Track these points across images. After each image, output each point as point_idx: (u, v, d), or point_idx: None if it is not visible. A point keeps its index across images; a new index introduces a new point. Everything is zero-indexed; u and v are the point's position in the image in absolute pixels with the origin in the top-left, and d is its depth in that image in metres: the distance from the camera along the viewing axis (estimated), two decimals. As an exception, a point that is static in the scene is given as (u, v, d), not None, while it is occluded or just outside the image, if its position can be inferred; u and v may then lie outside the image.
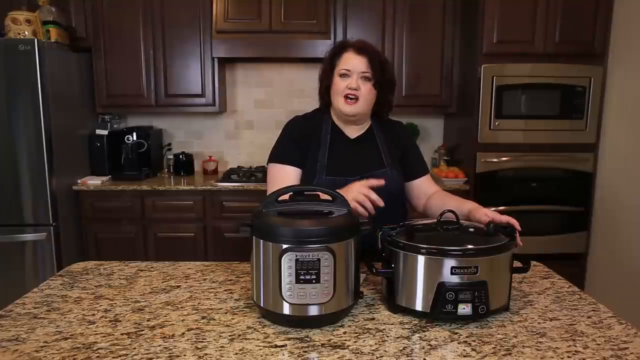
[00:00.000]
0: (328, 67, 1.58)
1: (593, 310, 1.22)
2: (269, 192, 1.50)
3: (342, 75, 1.53)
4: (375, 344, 1.05)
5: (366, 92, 1.53)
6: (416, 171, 1.66)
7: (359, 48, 1.53)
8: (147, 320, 1.16)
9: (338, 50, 1.57)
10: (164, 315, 1.18)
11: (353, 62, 1.52)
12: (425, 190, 1.64)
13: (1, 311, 1.21)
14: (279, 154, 1.59)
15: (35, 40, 2.68)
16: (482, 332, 1.11)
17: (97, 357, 0.99)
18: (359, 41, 1.58)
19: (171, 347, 1.03)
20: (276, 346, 1.04)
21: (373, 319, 1.17)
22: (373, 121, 1.65)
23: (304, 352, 1.01)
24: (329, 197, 1.20)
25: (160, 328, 1.12)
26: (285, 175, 1.55)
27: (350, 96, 1.52)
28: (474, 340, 1.06)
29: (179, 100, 3.29)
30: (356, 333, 1.10)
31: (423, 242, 1.15)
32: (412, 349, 1.02)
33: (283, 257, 1.07)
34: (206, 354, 1.00)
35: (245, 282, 1.40)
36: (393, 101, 1.64)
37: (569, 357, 1.00)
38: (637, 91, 2.76)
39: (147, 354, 1.00)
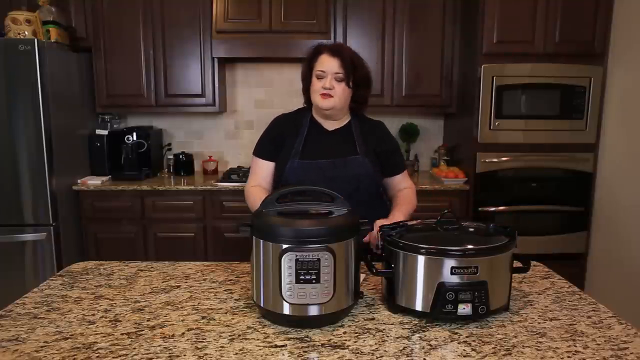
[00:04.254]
0: (307, 69, 1.71)
1: (593, 310, 1.22)
2: (248, 183, 1.77)
3: (318, 77, 1.65)
4: (375, 344, 1.05)
5: (340, 91, 1.64)
6: (396, 170, 1.80)
7: (333, 50, 1.65)
8: (147, 320, 1.16)
9: (315, 53, 1.69)
10: (164, 315, 1.18)
11: (327, 64, 1.63)
12: (397, 186, 1.80)
13: (1, 311, 1.21)
14: (257, 149, 1.79)
15: (35, 40, 2.68)
16: (482, 332, 1.11)
17: (97, 357, 0.99)
18: (333, 44, 1.73)
19: (171, 347, 1.03)
20: (276, 346, 1.04)
21: (373, 319, 1.17)
22: (352, 117, 1.76)
23: (304, 352, 1.01)
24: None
25: (160, 328, 1.12)
26: (259, 169, 1.76)
27: (325, 94, 1.64)
28: (474, 340, 1.06)
29: (179, 100, 3.29)
30: (356, 333, 1.10)
31: (423, 242, 1.15)
32: (412, 349, 1.02)
33: (283, 257, 1.07)
34: (206, 354, 1.00)
35: (245, 282, 1.40)
36: (368, 96, 1.75)
37: (569, 357, 1.00)
38: (637, 91, 2.76)
39: (147, 354, 1.00)
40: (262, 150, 1.77)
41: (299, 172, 1.64)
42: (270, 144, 1.75)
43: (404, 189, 1.78)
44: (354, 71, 1.64)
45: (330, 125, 1.74)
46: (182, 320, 1.16)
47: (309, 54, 1.71)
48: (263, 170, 1.75)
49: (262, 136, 1.80)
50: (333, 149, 1.68)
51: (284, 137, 1.73)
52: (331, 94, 1.63)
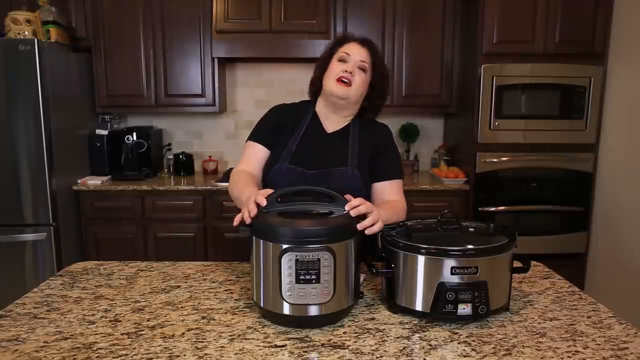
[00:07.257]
0: (327, 56, 1.58)
1: (593, 310, 1.22)
2: (236, 167, 1.58)
3: (340, 60, 1.52)
4: (375, 344, 1.05)
5: (359, 82, 1.50)
6: (383, 174, 1.56)
7: (363, 41, 1.55)
8: (147, 320, 1.16)
9: (341, 40, 1.57)
10: (164, 315, 1.18)
11: (354, 50, 1.52)
12: (382, 196, 1.54)
13: (1, 311, 1.21)
14: (254, 133, 1.62)
15: (35, 40, 2.68)
16: (482, 332, 1.11)
17: (97, 357, 0.99)
18: (363, 37, 1.59)
19: (171, 347, 1.03)
20: (276, 346, 1.04)
21: (373, 319, 1.17)
22: (354, 120, 1.60)
23: (304, 352, 1.01)
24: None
25: (160, 328, 1.12)
26: (253, 153, 1.58)
27: (344, 79, 1.49)
28: (474, 340, 1.06)
29: (179, 100, 3.29)
30: (356, 333, 1.10)
31: (423, 242, 1.15)
32: (412, 349, 1.02)
33: (283, 257, 1.07)
34: (206, 354, 1.00)
35: (245, 282, 1.40)
36: (380, 104, 1.61)
37: (569, 357, 1.00)
38: (637, 91, 2.76)
39: (147, 354, 1.00)
40: (262, 135, 1.59)
41: (285, 176, 1.49)
42: (272, 130, 1.59)
43: (390, 201, 1.51)
44: (381, 73, 1.55)
45: (330, 126, 1.58)
46: (182, 320, 1.16)
47: (333, 41, 1.60)
48: (258, 156, 1.57)
49: (262, 122, 1.64)
50: (324, 158, 1.52)
51: (284, 128, 1.58)
52: (350, 80, 1.48)
